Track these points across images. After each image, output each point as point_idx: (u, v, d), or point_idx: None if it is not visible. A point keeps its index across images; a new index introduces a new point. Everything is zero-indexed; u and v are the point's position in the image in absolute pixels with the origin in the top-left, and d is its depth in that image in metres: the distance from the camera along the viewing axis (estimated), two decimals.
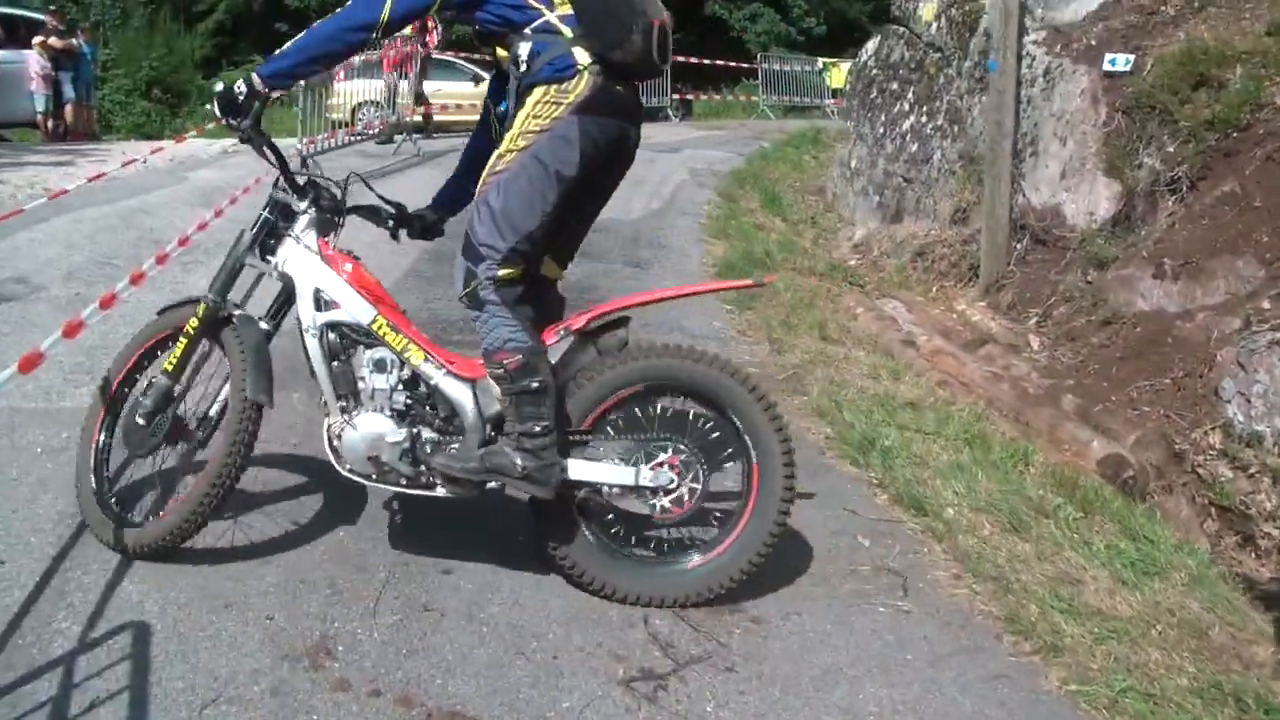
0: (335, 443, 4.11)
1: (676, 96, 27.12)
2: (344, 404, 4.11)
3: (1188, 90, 7.54)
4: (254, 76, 4.01)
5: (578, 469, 3.98)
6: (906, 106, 11.04)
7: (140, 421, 4.18)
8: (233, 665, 3.42)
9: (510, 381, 3.87)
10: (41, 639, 3.47)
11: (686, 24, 33.57)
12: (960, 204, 9.45)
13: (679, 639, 3.79)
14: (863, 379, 6.64)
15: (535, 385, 3.85)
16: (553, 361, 3.99)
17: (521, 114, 3.91)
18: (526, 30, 3.94)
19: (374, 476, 4.09)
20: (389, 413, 4.08)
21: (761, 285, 4.26)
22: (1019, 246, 8.47)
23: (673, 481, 3.99)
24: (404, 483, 4.09)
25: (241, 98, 3.99)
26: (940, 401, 6.38)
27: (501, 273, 3.89)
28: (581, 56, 3.87)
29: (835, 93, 28.04)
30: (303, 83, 14.11)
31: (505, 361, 3.86)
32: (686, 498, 4.01)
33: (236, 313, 4.20)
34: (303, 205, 4.24)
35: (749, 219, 11.64)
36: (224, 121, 4.09)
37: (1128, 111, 7.92)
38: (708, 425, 4.09)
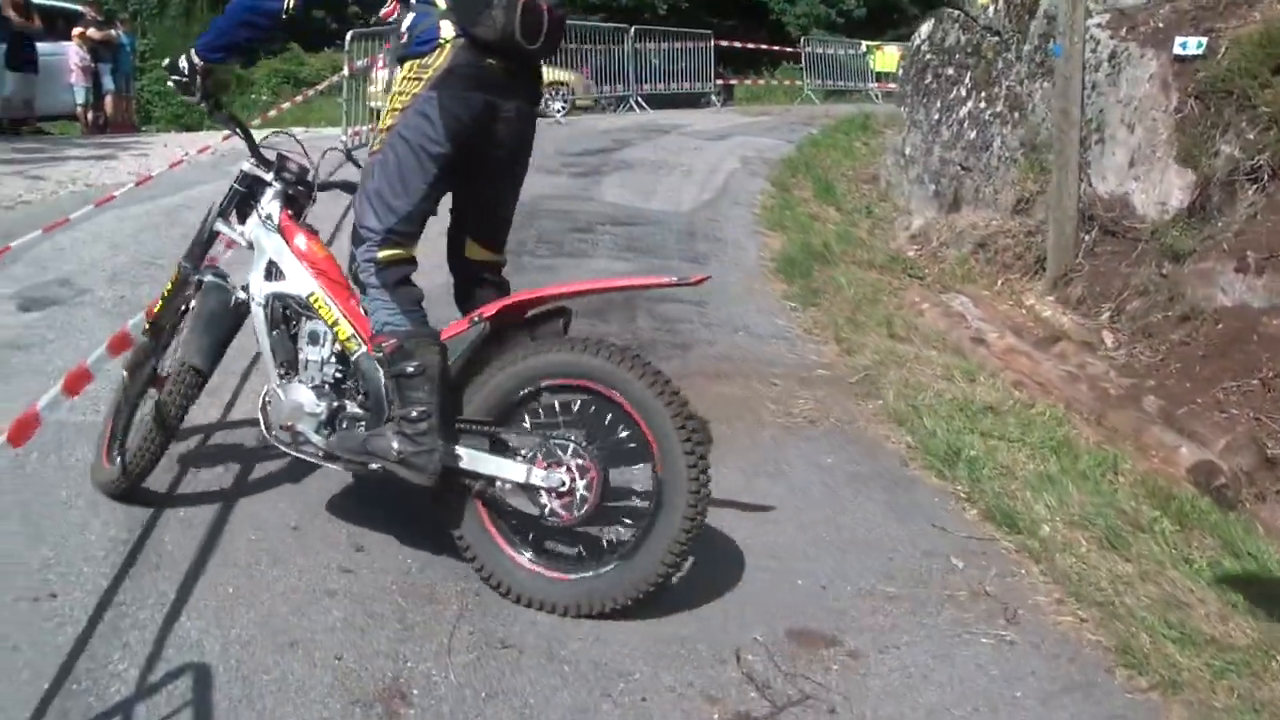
0: (266, 409, 4.22)
1: (720, 82, 26.82)
2: (281, 372, 4.20)
3: (1267, 74, 7.22)
4: (192, 51, 4.24)
5: (472, 459, 3.88)
6: (963, 92, 10.73)
7: (124, 374, 4.55)
8: (301, 713, 3.19)
9: (389, 365, 3.87)
10: (98, 683, 3.25)
11: (726, 7, 33.37)
12: (1023, 193, 9.15)
13: (774, 677, 3.53)
14: (937, 381, 6.35)
15: (411, 370, 3.81)
16: (463, 348, 3.92)
17: (391, 91, 3.96)
18: (412, 1, 3.97)
19: (291, 446, 4.16)
20: (318, 384, 4.13)
21: (687, 284, 4.06)
22: (1087, 238, 8.15)
23: (563, 484, 3.78)
24: (320, 455, 4.12)
25: (187, 73, 4.23)
26: (1019, 404, 6.11)
27: (381, 254, 3.95)
28: (447, 30, 3.85)
29: (879, 76, 27.72)
30: (345, 72, 13.98)
31: (383, 344, 3.88)
32: (579, 501, 3.79)
33: (208, 279, 4.36)
34: (268, 178, 4.37)
35: (803, 209, 11.35)
36: (181, 96, 4.39)
37: (1201, 97, 7.61)
38: (618, 425, 3.84)
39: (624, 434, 3.82)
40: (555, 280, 7.51)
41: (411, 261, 4.05)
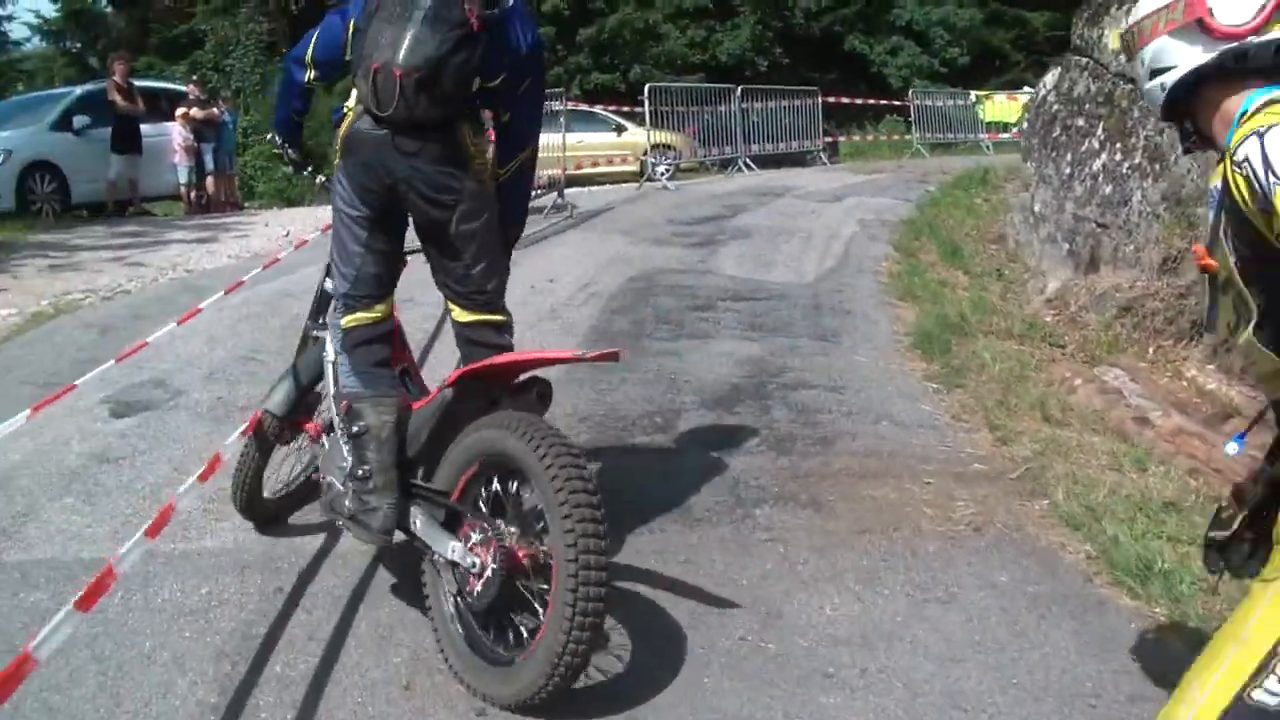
0: (320, 460, 4.46)
1: (829, 139, 26.30)
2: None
3: None
4: (275, 132, 4.79)
5: (421, 526, 3.88)
6: (1096, 144, 10.15)
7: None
8: None
9: (342, 425, 4.07)
10: None
11: (826, 62, 32.98)
12: (1169, 251, 8.53)
13: None
14: (1106, 472, 5.74)
15: (357, 430, 3.99)
16: (428, 414, 3.99)
17: None
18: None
19: (326, 494, 4.27)
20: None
21: (585, 359, 3.90)
22: None
23: (475, 566, 3.54)
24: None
25: (280, 149, 4.81)
26: (1201, 498, 5.49)
27: (344, 321, 4.21)
28: (351, 99, 4.05)
29: (989, 126, 27.11)
30: None
31: (339, 406, 4.11)
32: (484, 586, 3.54)
33: (321, 334, 4.66)
34: None
35: (931, 274, 10.78)
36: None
37: None
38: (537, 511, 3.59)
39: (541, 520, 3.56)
40: (681, 367, 7.15)
41: (379, 323, 4.23)
